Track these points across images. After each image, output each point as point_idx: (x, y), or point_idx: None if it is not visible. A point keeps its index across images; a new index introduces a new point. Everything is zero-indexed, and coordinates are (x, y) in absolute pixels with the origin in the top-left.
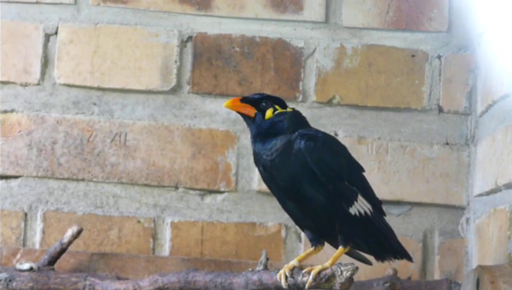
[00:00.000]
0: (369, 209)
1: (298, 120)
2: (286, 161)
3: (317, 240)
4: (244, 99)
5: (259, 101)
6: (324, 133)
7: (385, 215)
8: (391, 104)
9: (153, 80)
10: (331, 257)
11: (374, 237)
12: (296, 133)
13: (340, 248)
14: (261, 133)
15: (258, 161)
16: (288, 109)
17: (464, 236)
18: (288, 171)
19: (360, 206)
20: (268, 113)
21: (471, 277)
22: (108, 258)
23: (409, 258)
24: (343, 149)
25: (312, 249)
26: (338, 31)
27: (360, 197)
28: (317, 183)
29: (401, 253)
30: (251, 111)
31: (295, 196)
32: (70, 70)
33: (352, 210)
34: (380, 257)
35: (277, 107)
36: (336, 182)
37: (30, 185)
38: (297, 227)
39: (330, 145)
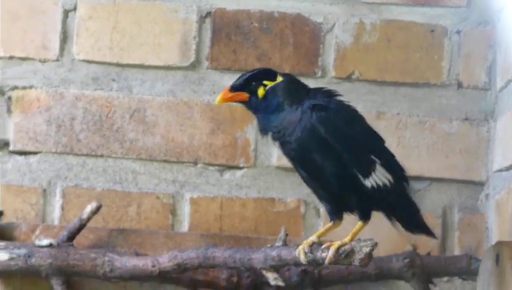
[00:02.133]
0: (388, 181)
1: (293, 88)
2: (298, 133)
3: (335, 214)
4: (233, 88)
5: (248, 84)
6: (338, 102)
7: (408, 184)
8: (410, 79)
9: (172, 55)
10: (350, 233)
11: (395, 209)
12: (307, 103)
13: (360, 222)
14: (263, 113)
15: (273, 139)
16: (278, 79)
17: (483, 212)
18: (300, 143)
19: (378, 177)
20: (261, 92)
21: (490, 252)
22: (127, 234)
23: (432, 235)
24: (359, 118)
25: (331, 224)
26: (357, 6)
27: (378, 167)
28: (330, 154)
29: (423, 228)
30: (244, 96)
31: (309, 167)
32: (89, 46)
33: (369, 182)
34: (407, 228)
35: (266, 82)
36: (351, 151)
37: (49, 161)
38: (316, 203)
39: (344, 113)
